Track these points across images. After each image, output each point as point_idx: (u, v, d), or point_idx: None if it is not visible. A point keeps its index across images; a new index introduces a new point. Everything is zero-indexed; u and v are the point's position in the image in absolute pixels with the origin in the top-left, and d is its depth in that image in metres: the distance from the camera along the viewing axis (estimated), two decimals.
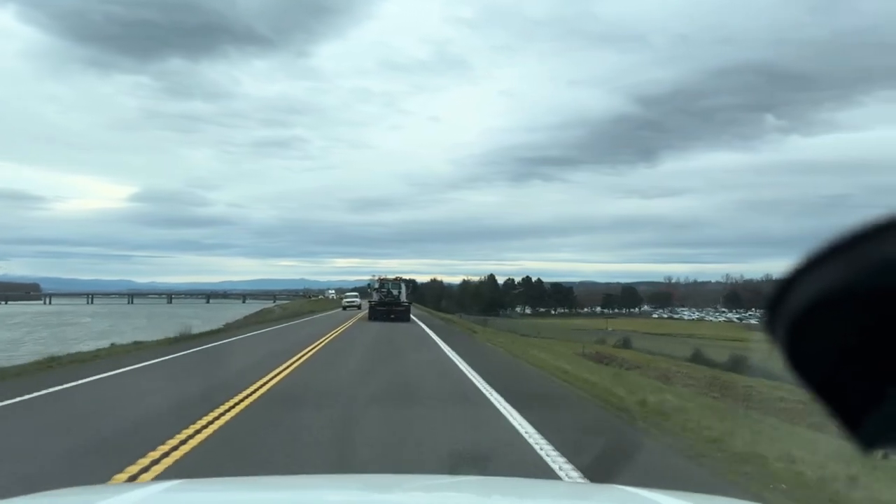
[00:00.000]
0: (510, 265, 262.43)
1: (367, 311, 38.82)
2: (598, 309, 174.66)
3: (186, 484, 2.68)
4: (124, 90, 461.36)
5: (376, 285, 38.67)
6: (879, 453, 5.48)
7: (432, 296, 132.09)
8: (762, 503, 5.12)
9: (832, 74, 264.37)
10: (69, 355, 15.91)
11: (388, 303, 36.78)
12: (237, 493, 2.57)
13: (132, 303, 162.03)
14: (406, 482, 2.94)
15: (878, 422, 0.65)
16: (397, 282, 39.48)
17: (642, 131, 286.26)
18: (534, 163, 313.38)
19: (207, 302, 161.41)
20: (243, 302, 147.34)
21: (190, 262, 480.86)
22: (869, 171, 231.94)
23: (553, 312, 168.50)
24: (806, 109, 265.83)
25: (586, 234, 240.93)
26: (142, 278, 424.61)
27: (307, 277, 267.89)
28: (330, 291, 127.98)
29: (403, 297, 37.96)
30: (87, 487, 3.18)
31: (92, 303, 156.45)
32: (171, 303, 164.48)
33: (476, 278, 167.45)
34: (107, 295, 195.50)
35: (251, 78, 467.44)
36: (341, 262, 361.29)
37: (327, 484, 3.00)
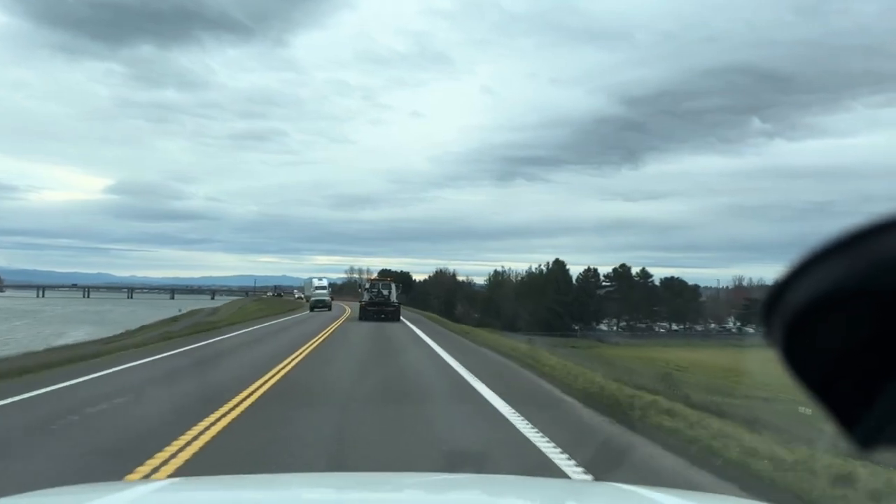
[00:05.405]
0: (491, 265, 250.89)
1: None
2: (732, 323, 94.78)
3: (179, 483, 2.97)
4: (96, 77, 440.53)
5: (367, 285, 40.78)
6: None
7: (439, 296, 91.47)
8: (763, 503, 4.23)
9: (820, 77, 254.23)
10: None
11: (379, 303, 37.49)
12: (230, 492, 2.45)
13: (88, 297, 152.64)
14: (401, 479, 2.91)
15: (874, 421, 0.64)
16: (388, 282, 40.61)
17: (626, 132, 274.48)
18: (516, 162, 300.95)
19: (172, 297, 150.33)
20: (212, 298, 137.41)
21: (171, 257, 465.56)
22: (853, 178, 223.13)
23: (661, 331, 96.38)
24: (791, 113, 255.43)
25: (569, 236, 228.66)
26: (121, 272, 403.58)
27: (289, 274, 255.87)
28: (320, 280, 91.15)
29: (394, 298, 38.54)
30: (82, 486, 2.84)
31: (43, 296, 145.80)
32: (131, 297, 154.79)
33: (513, 276, 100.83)
34: (61, 288, 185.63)
35: (227, 67, 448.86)
36: (322, 259, 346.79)
37: (321, 482, 2.89)
